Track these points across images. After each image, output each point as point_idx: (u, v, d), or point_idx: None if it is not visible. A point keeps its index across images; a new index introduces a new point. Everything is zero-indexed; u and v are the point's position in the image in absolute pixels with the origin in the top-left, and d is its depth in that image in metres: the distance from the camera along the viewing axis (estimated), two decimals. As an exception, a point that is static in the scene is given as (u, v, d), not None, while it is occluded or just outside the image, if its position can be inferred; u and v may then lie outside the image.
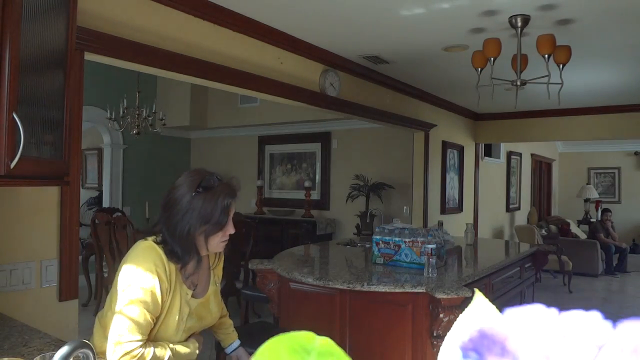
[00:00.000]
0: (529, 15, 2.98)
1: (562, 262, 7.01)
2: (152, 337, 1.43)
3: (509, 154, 8.97)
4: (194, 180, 1.44)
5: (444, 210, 6.35)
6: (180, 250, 1.43)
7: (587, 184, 11.15)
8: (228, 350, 1.83)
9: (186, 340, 1.54)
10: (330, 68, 3.99)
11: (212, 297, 1.60)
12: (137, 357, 1.33)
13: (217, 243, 1.48)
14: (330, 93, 3.98)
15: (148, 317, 1.37)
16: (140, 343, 1.35)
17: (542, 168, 11.19)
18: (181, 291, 1.47)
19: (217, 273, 1.67)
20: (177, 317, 1.44)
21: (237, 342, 1.85)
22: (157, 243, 1.44)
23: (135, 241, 1.51)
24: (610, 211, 9.07)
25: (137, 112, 6.16)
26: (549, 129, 6.74)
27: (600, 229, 8.70)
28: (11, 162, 1.37)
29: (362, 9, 2.97)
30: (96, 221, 4.97)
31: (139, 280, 1.37)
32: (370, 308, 2.62)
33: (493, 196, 8.21)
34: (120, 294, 1.37)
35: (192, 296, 1.51)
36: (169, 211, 1.45)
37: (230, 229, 1.48)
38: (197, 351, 1.50)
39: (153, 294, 1.38)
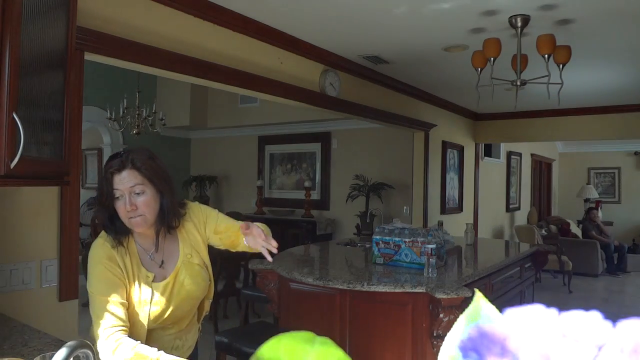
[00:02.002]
0: (529, 15, 2.98)
1: (562, 262, 7.01)
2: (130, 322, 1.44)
3: (509, 154, 8.97)
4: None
5: (444, 210, 6.34)
6: (105, 226, 1.47)
7: (587, 184, 11.14)
8: (245, 241, 1.62)
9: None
10: (330, 68, 3.99)
11: (182, 271, 1.52)
12: (121, 343, 1.34)
13: (124, 216, 1.43)
14: (330, 93, 3.98)
15: (113, 302, 1.39)
16: (114, 331, 1.36)
17: (542, 168, 11.19)
18: (139, 274, 1.47)
19: (191, 240, 1.58)
20: (141, 301, 1.46)
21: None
22: (104, 231, 1.49)
23: None
24: (595, 209, 9.23)
25: (137, 112, 6.16)
26: (549, 129, 6.74)
27: (591, 228, 8.81)
28: (11, 162, 1.37)
29: (362, 9, 2.97)
30: (96, 221, 4.97)
31: (92, 276, 1.44)
32: (370, 308, 2.62)
33: (493, 196, 8.21)
34: (89, 295, 1.44)
35: (156, 279, 1.49)
36: None
37: (126, 204, 1.41)
38: None
39: (107, 280, 1.42)
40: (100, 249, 1.46)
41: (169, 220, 1.50)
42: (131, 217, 1.43)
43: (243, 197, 8.21)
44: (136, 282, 1.46)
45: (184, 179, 8.17)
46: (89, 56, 2.28)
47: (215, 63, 2.93)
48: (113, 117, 5.99)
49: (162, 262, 1.53)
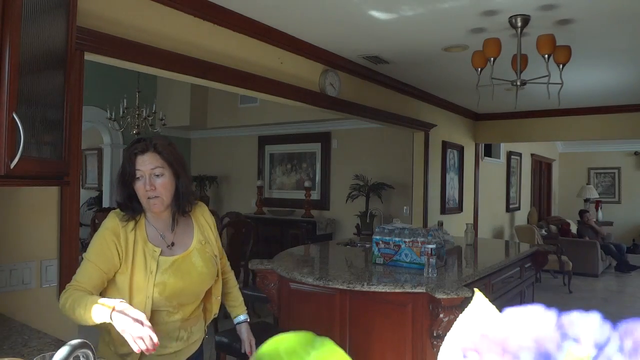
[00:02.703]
0: (529, 15, 2.98)
1: (562, 262, 7.01)
2: (124, 290, 1.52)
3: (509, 154, 8.97)
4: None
5: (444, 210, 6.35)
6: (123, 204, 1.57)
7: (587, 184, 11.15)
8: (235, 322, 1.92)
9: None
10: (330, 68, 3.99)
11: (195, 252, 1.62)
12: (65, 292, 1.47)
13: (142, 196, 1.54)
14: (330, 93, 3.98)
15: (89, 266, 1.50)
16: (74, 284, 1.48)
17: (542, 168, 11.20)
18: (145, 249, 1.54)
19: (204, 232, 1.71)
20: (143, 272, 1.52)
21: (242, 317, 1.90)
22: (120, 208, 1.59)
23: None
24: (587, 211, 9.12)
25: (137, 112, 6.16)
26: (549, 129, 6.74)
27: (584, 231, 8.76)
28: (11, 162, 1.37)
29: (362, 9, 2.97)
30: (96, 221, 4.97)
31: (92, 242, 1.56)
32: (370, 308, 2.62)
33: (493, 196, 8.21)
34: None
35: (163, 253, 1.56)
36: None
37: (146, 184, 1.53)
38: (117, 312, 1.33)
39: (99, 249, 1.51)
40: (110, 221, 1.56)
41: (183, 203, 1.61)
42: (149, 198, 1.53)
43: (243, 197, 8.22)
44: (141, 255, 1.53)
45: (184, 179, 8.16)
46: (89, 56, 2.28)
47: (215, 63, 2.93)
48: (113, 117, 5.99)
49: (173, 243, 1.60)
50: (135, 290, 1.52)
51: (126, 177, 1.53)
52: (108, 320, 1.32)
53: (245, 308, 1.94)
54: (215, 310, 1.76)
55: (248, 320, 1.92)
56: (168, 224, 1.62)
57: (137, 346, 1.29)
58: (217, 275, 1.71)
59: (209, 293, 1.72)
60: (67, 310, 1.43)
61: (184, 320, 1.62)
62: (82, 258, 1.54)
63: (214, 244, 1.72)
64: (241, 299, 1.94)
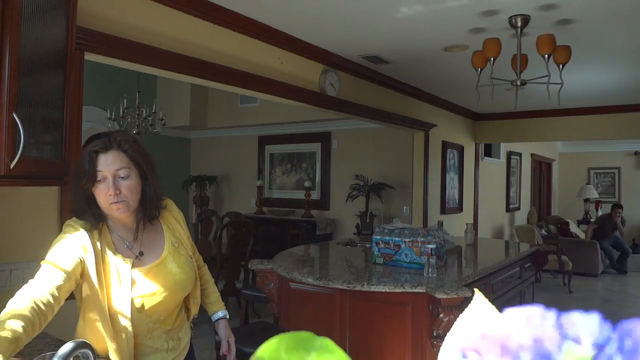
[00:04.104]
0: (529, 15, 2.98)
1: (562, 262, 7.01)
2: (104, 310, 1.34)
3: (509, 154, 8.97)
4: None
5: (444, 210, 6.35)
6: (80, 212, 1.36)
7: (587, 184, 11.15)
8: (213, 319, 1.76)
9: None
10: (330, 68, 3.99)
11: (169, 258, 1.46)
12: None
13: (104, 203, 1.34)
14: (330, 93, 3.98)
15: (44, 267, 1.28)
16: (25, 285, 1.23)
17: (542, 168, 11.20)
18: (115, 262, 1.37)
19: (175, 232, 1.53)
20: (120, 289, 1.35)
21: (220, 313, 1.74)
22: (76, 216, 1.38)
23: None
24: (621, 207, 8.76)
25: (137, 112, 6.16)
26: (549, 129, 6.74)
27: (608, 224, 8.49)
28: (11, 162, 1.37)
29: (362, 9, 2.97)
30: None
31: (49, 250, 1.33)
32: (370, 308, 2.62)
33: (493, 196, 8.21)
34: None
35: (135, 265, 1.39)
36: None
37: (110, 188, 1.32)
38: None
39: (55, 250, 1.31)
40: (71, 229, 1.35)
41: (150, 209, 1.43)
42: (112, 203, 1.33)
43: (243, 197, 8.22)
44: (112, 270, 1.36)
45: (183, 179, 8.18)
46: (89, 56, 2.28)
47: (215, 63, 2.93)
48: (113, 117, 5.99)
49: (141, 252, 1.44)
50: (112, 311, 1.35)
51: (85, 180, 1.31)
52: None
53: (223, 304, 1.77)
54: (194, 311, 1.61)
55: (227, 317, 1.75)
56: (128, 230, 1.44)
57: None
58: (195, 279, 1.56)
59: (187, 297, 1.58)
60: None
61: (169, 331, 1.50)
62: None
63: (187, 243, 1.56)
64: (217, 294, 1.76)
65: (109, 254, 1.37)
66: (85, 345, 0.99)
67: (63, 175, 1.68)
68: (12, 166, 1.37)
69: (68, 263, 1.30)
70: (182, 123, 7.61)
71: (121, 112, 6.00)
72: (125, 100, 5.94)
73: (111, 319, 1.35)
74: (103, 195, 1.33)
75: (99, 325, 1.36)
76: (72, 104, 1.72)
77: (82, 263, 1.32)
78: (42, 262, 1.31)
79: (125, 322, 1.36)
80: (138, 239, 1.44)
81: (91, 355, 1.01)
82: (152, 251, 1.46)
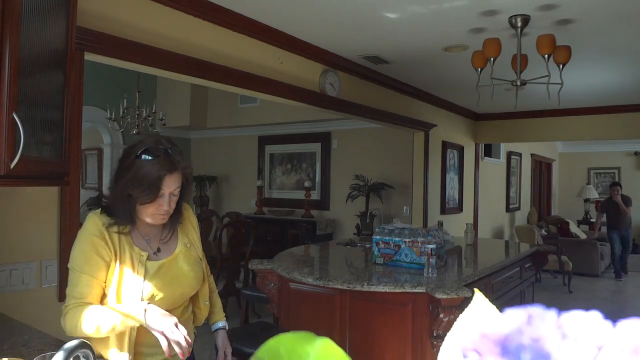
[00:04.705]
0: (529, 15, 2.98)
1: (562, 262, 7.01)
2: (112, 297, 1.43)
3: (509, 154, 8.97)
4: (143, 144, 1.44)
5: (444, 210, 6.35)
6: (115, 211, 1.45)
7: (587, 184, 11.15)
8: (212, 329, 1.80)
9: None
10: (330, 68, 3.99)
11: (180, 256, 1.56)
12: (67, 314, 1.38)
13: (151, 214, 1.45)
14: (330, 93, 3.98)
15: (85, 279, 1.40)
16: (73, 302, 1.38)
17: (542, 168, 11.20)
18: (132, 253, 1.46)
19: (188, 235, 1.64)
20: (133, 277, 1.44)
21: (220, 324, 1.79)
22: (103, 209, 1.47)
23: None
24: (619, 185, 8.09)
25: (137, 112, 6.16)
26: (549, 129, 6.74)
27: (610, 207, 7.86)
28: (11, 162, 1.37)
29: (362, 9, 2.97)
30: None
31: (76, 250, 1.44)
32: (370, 308, 2.62)
33: (493, 196, 8.21)
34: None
35: (150, 258, 1.49)
36: (115, 172, 1.47)
37: (164, 204, 1.43)
38: (144, 319, 1.34)
39: (88, 257, 1.41)
40: (94, 225, 1.44)
41: (178, 215, 1.56)
42: (159, 214, 1.45)
43: (243, 197, 8.22)
44: (128, 259, 1.45)
45: (184, 179, 8.16)
46: (89, 56, 2.28)
47: (215, 63, 2.93)
48: (113, 117, 5.99)
49: (159, 249, 1.54)
50: (124, 298, 1.43)
51: (144, 193, 1.40)
52: (139, 324, 1.32)
53: (224, 315, 1.83)
54: (204, 314, 1.69)
55: (226, 328, 1.80)
56: (154, 230, 1.53)
57: (174, 350, 1.28)
58: (203, 279, 1.66)
59: (196, 298, 1.67)
60: (80, 330, 1.35)
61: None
62: (69, 269, 1.43)
63: (198, 247, 1.66)
64: (220, 304, 1.84)
65: (126, 245, 1.46)
66: (85, 345, 0.99)
67: (63, 175, 1.68)
68: (12, 166, 1.37)
69: (100, 270, 1.41)
70: (182, 123, 7.61)
71: (121, 112, 6.01)
72: (125, 100, 5.94)
73: (117, 302, 1.42)
74: (155, 208, 1.43)
75: None
76: (72, 104, 1.72)
77: (107, 265, 1.43)
78: (74, 269, 1.41)
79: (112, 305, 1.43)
80: (154, 234, 1.54)
81: (91, 355, 1.01)
82: (167, 248, 1.56)
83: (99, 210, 1.48)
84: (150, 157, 1.40)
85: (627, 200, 7.86)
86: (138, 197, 1.41)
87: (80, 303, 1.38)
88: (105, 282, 1.43)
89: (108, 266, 1.43)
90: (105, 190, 1.51)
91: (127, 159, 1.43)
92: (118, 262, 1.44)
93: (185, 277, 1.56)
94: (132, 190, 1.41)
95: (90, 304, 1.39)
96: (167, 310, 1.50)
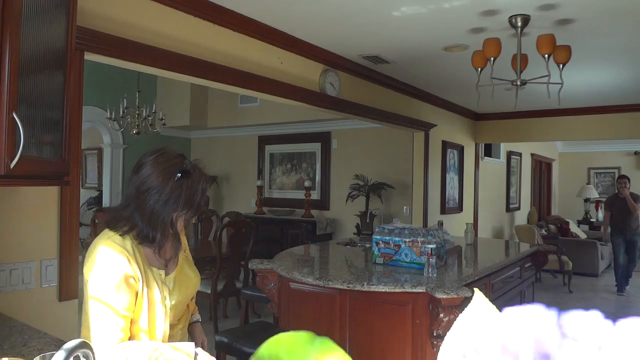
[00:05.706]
0: (529, 15, 2.98)
1: (562, 262, 7.01)
2: (142, 326, 1.40)
3: (509, 154, 8.97)
4: (170, 166, 1.45)
5: (444, 210, 6.35)
6: (158, 235, 1.42)
7: (587, 183, 11.15)
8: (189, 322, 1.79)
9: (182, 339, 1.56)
10: (330, 68, 3.99)
11: (184, 264, 1.59)
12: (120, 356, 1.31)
13: (181, 226, 1.55)
14: (330, 93, 3.98)
15: (121, 313, 1.34)
16: (109, 346, 1.32)
17: (542, 168, 11.20)
18: (154, 275, 1.43)
19: (182, 240, 1.64)
20: (160, 298, 1.42)
21: (195, 316, 1.76)
22: (123, 232, 1.40)
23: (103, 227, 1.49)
24: (627, 177, 6.97)
25: (137, 112, 6.16)
26: (549, 129, 6.74)
27: (616, 204, 6.85)
28: (11, 162, 1.37)
29: (362, 9, 2.97)
30: (96, 221, 4.97)
31: (104, 280, 1.34)
32: (370, 308, 2.62)
33: (493, 196, 8.21)
34: (91, 300, 1.34)
35: (167, 273, 1.50)
36: (144, 197, 1.41)
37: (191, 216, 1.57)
38: (194, 352, 1.38)
39: (122, 290, 1.34)
40: (116, 248, 1.37)
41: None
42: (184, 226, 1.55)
43: (243, 197, 8.21)
44: (152, 281, 1.42)
45: (184, 179, 8.17)
46: (89, 56, 2.28)
47: (215, 63, 2.93)
48: (113, 117, 5.99)
49: (166, 259, 1.52)
50: (156, 321, 1.42)
51: (193, 210, 1.51)
52: None
53: (196, 307, 1.79)
54: (191, 309, 1.72)
55: (199, 320, 1.77)
56: (163, 244, 1.50)
57: None
58: None
59: None
60: None
61: (184, 326, 1.63)
62: (96, 302, 1.33)
63: (186, 245, 1.69)
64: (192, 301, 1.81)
65: (147, 268, 1.44)
66: (85, 345, 0.99)
67: (63, 175, 1.68)
68: (12, 166, 1.37)
69: (132, 305, 1.38)
70: (182, 123, 7.61)
71: (121, 112, 6.01)
72: (125, 100, 5.94)
73: (149, 325, 1.42)
74: (186, 221, 1.54)
75: (137, 333, 1.41)
76: (72, 104, 1.72)
77: (136, 294, 1.40)
78: (107, 306, 1.32)
79: (165, 327, 1.45)
80: (163, 248, 1.49)
81: (91, 355, 1.01)
82: (174, 258, 1.56)
83: (116, 234, 1.40)
84: (189, 176, 1.48)
85: (636, 198, 6.79)
86: (189, 215, 1.51)
87: (122, 342, 1.33)
88: (130, 315, 1.38)
89: (137, 295, 1.39)
90: (129, 214, 1.42)
91: (162, 187, 1.41)
92: (146, 287, 1.40)
93: (192, 282, 1.61)
94: (181, 212, 1.47)
95: (126, 340, 1.35)
96: (180, 318, 1.59)
